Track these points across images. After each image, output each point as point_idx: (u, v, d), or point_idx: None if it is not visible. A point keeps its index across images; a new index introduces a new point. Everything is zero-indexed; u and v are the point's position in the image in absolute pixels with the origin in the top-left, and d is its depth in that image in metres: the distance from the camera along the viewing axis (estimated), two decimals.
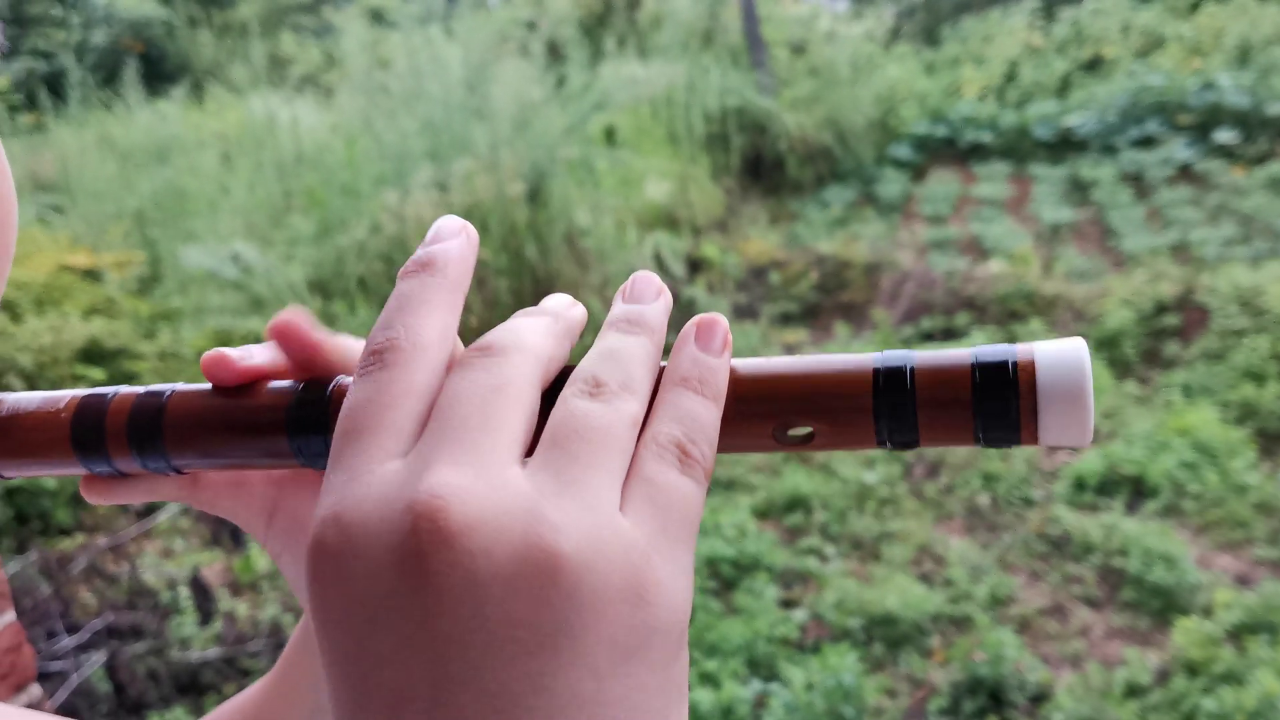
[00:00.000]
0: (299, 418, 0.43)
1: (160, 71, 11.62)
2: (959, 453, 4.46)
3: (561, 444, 0.35)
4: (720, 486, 4.42)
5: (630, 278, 0.43)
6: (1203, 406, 4.49)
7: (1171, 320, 5.28)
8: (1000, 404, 0.37)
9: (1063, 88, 10.06)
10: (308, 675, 0.56)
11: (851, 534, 3.99)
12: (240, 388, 0.45)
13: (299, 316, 0.47)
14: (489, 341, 0.38)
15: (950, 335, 5.69)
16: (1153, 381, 5.01)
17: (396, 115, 7.21)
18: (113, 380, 5.15)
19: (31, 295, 5.50)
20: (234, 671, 3.46)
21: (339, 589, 0.33)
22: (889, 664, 3.31)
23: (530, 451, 0.36)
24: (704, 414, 0.38)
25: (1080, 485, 4.13)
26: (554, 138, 7.01)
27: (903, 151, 9.24)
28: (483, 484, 0.32)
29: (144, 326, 5.74)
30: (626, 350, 0.39)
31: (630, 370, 0.38)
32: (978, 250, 6.80)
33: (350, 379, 0.43)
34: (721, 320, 0.41)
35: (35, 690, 1.17)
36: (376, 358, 0.37)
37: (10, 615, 1.19)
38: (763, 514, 4.18)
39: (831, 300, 6.38)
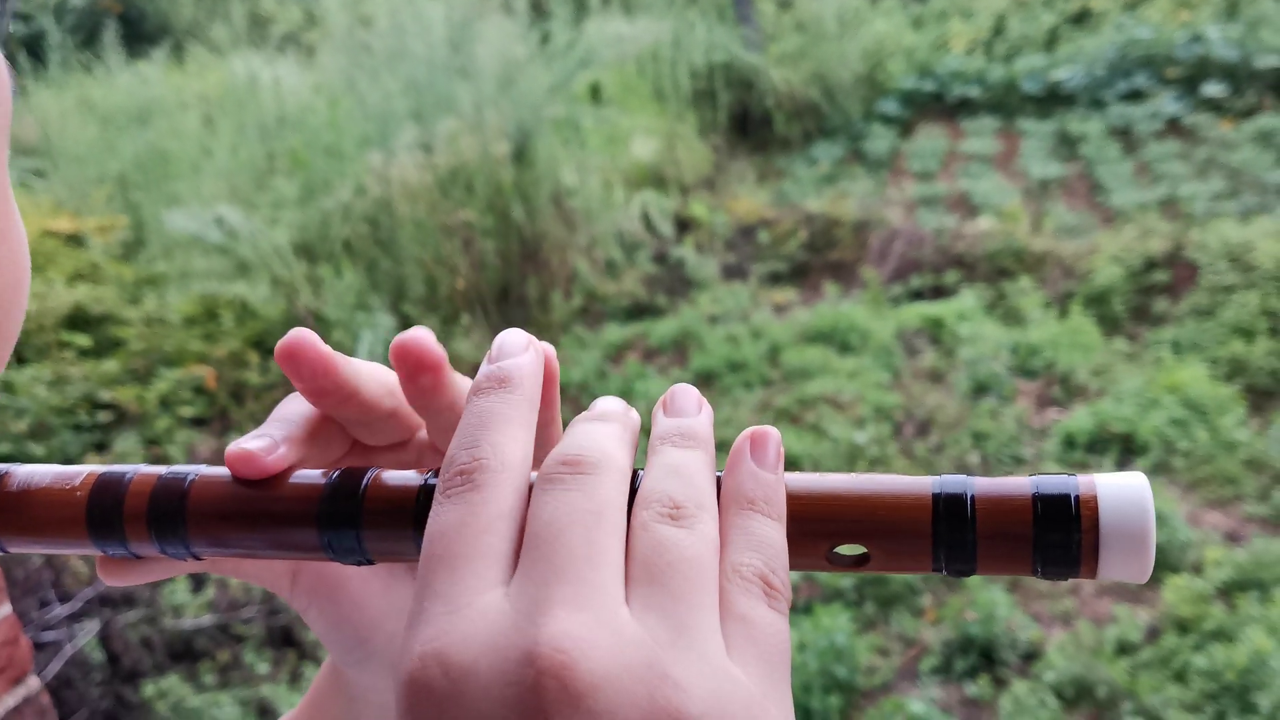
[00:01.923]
0: (332, 511, 0.42)
1: (140, 32, 11.47)
2: (948, 411, 4.47)
3: (659, 580, 0.34)
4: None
5: (669, 391, 0.43)
6: (1192, 363, 4.50)
7: (1161, 276, 5.28)
8: (1061, 539, 0.37)
9: (1050, 41, 9.99)
10: (339, 712, 0.56)
11: None
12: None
13: (306, 337, 0.45)
14: (576, 455, 0.37)
15: (940, 293, 5.69)
16: (1142, 338, 5.02)
17: (379, 75, 7.13)
18: (99, 345, 5.12)
19: None
20: (227, 638, 3.46)
21: None
22: (881, 624, 3.33)
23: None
24: (776, 538, 0.38)
25: (1070, 443, 4.14)
26: (539, 96, 6.94)
27: (890, 107, 9.18)
28: (603, 634, 0.32)
29: (129, 292, 5.70)
30: (689, 466, 0.39)
31: (700, 487, 0.38)
32: (966, 207, 6.78)
33: (381, 470, 0.43)
34: (774, 433, 0.41)
35: (33, 682, 1.16)
36: (465, 478, 0.37)
37: (6, 608, 1.18)
38: None
39: (820, 259, 6.37)
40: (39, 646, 3.12)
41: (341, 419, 0.48)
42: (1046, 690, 2.91)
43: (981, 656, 3.10)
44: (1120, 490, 0.37)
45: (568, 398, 5.00)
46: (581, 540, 0.34)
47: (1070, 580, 2.95)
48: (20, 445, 4.17)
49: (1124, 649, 3.06)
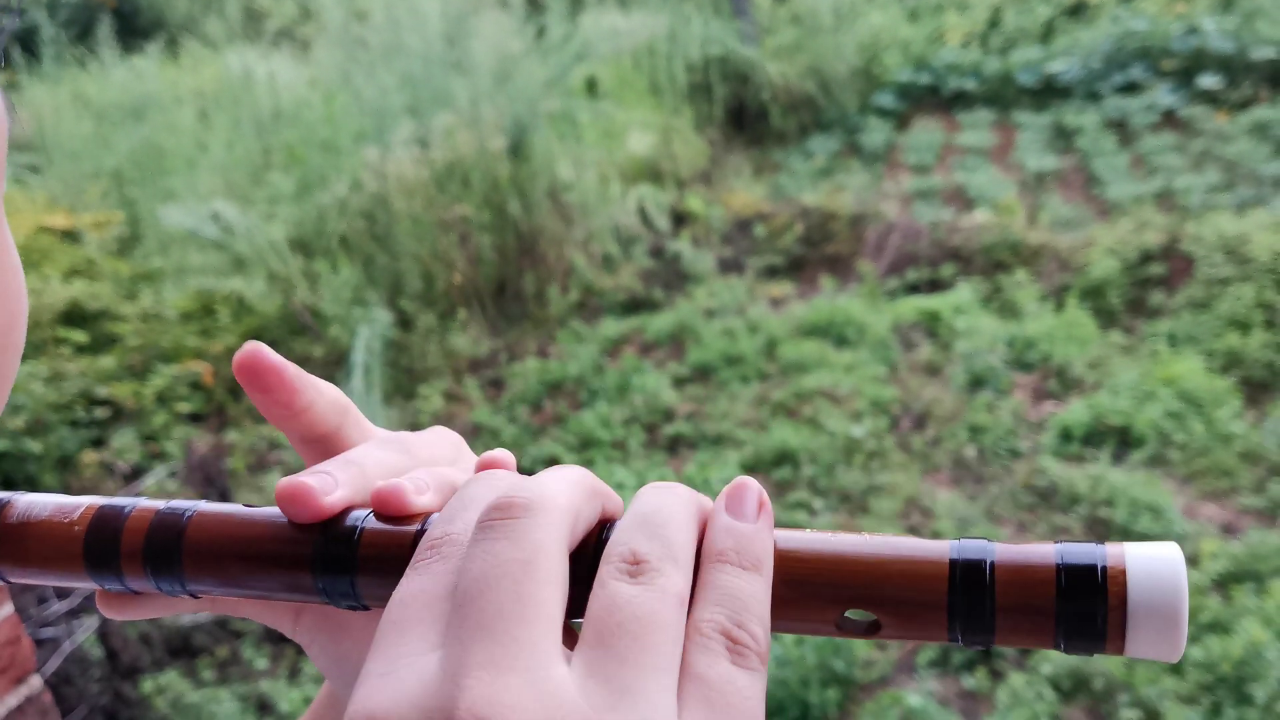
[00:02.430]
0: (326, 555, 0.41)
1: (134, 27, 11.44)
2: (945, 404, 4.48)
3: (607, 641, 0.32)
4: (708, 441, 4.43)
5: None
6: (1188, 356, 4.51)
7: (1156, 269, 5.29)
8: (1086, 613, 0.35)
9: (1046, 33, 9.99)
10: None
11: (839, 487, 4.01)
12: (265, 516, 0.43)
13: (262, 349, 0.45)
14: (508, 499, 0.35)
15: (936, 286, 5.69)
16: (1138, 331, 5.02)
17: (375, 70, 7.12)
18: (95, 341, 5.11)
19: None
20: (225, 634, 3.47)
21: None
22: None
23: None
24: (746, 588, 0.36)
25: (1067, 436, 4.15)
26: (535, 91, 6.93)
27: (886, 100, 9.18)
28: (528, 697, 0.30)
29: (125, 288, 5.70)
30: (664, 511, 0.37)
31: (670, 537, 0.36)
32: (962, 200, 6.79)
33: (371, 513, 0.42)
34: (752, 483, 0.39)
35: (35, 682, 1.17)
36: (434, 551, 0.36)
37: (8, 608, 1.18)
38: (751, 468, 4.19)
39: (817, 252, 6.37)
40: (38, 643, 3.12)
41: (291, 432, 0.48)
42: (1043, 683, 2.91)
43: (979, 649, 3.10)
44: (1151, 562, 0.35)
45: (564, 392, 5.00)
46: (510, 594, 0.32)
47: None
48: (17, 441, 4.17)
49: None
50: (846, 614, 0.37)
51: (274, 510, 0.43)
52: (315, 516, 0.41)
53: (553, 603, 0.33)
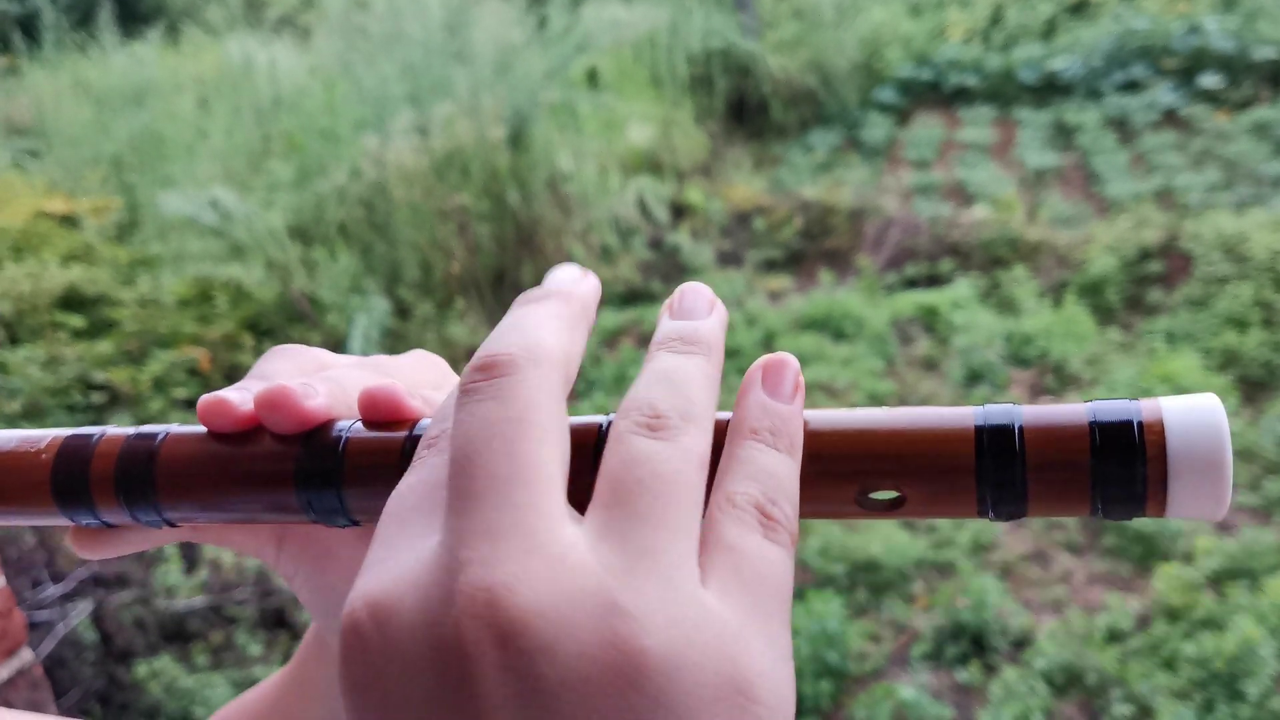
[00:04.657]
0: (309, 469, 0.38)
1: (135, 12, 11.41)
2: (942, 399, 4.48)
3: (624, 500, 0.30)
4: None
5: (678, 290, 0.38)
6: (1185, 353, 4.51)
7: (1155, 267, 5.29)
8: (1124, 472, 0.33)
9: (1048, 31, 9.98)
10: (323, 677, 0.53)
11: None
12: (243, 434, 0.40)
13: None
14: (492, 354, 0.32)
15: (934, 282, 5.69)
16: (1136, 328, 5.02)
17: (375, 58, 7.11)
18: (93, 326, 5.11)
19: (8, 242, 5.43)
20: (220, 619, 3.46)
21: (373, 686, 0.28)
22: (873, 610, 3.34)
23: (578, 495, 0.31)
24: (781, 469, 0.33)
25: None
26: (535, 81, 6.93)
27: (887, 95, 9.17)
28: (534, 562, 0.27)
29: (123, 273, 5.68)
30: (683, 372, 0.34)
31: (692, 396, 0.33)
32: (962, 196, 6.78)
33: (358, 424, 0.39)
34: (791, 361, 0.36)
35: (26, 654, 1.17)
36: (431, 448, 0.33)
37: (0, 581, 1.18)
38: None
39: (816, 247, 6.36)
40: (32, 626, 3.12)
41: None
42: (1036, 677, 2.92)
43: (972, 643, 3.11)
44: (1190, 414, 0.33)
45: None
46: (503, 456, 0.29)
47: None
48: (13, 425, 4.17)
49: (1114, 636, 3.07)
50: (869, 493, 0.35)
51: (249, 431, 0.41)
52: (298, 424, 0.39)
53: (553, 461, 0.30)
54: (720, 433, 0.35)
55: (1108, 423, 0.33)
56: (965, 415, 0.35)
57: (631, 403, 0.33)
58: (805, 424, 0.35)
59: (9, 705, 1.13)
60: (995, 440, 0.34)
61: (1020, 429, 0.34)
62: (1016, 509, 0.34)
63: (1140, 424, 0.33)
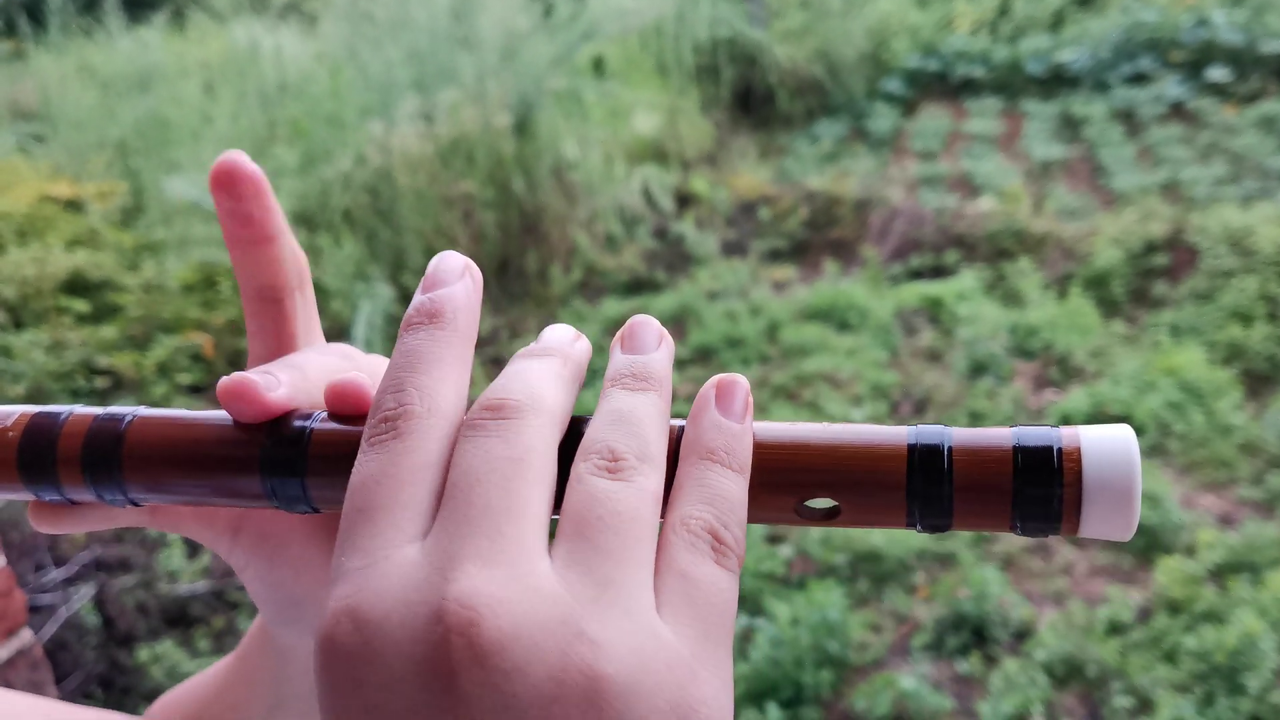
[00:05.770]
0: (275, 458, 0.40)
1: None
2: (946, 390, 4.48)
3: (587, 535, 0.33)
4: None
5: (629, 323, 0.41)
6: (1190, 347, 4.50)
7: (1160, 260, 5.28)
8: (1042, 494, 0.35)
9: (1056, 22, 9.95)
10: (268, 668, 0.55)
11: None
12: (209, 420, 0.41)
13: (240, 156, 0.44)
14: (500, 399, 0.35)
15: (939, 273, 5.68)
16: (1140, 321, 5.02)
17: (381, 44, 7.10)
18: (97, 311, 5.11)
19: (13, 226, 5.44)
20: (221, 604, 3.47)
21: (353, 695, 0.30)
22: (874, 600, 3.34)
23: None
24: (733, 490, 0.36)
25: (1067, 424, 4.14)
26: (541, 68, 6.91)
27: (894, 86, 9.15)
28: (515, 589, 0.30)
29: (127, 258, 5.69)
30: (637, 412, 0.37)
31: (645, 435, 0.36)
32: (968, 187, 6.77)
33: (323, 416, 0.41)
34: (742, 381, 0.39)
35: (26, 635, 1.17)
36: (389, 425, 0.35)
37: (0, 560, 1.18)
38: None
39: (821, 237, 6.35)
40: (34, 610, 3.13)
41: (249, 272, 0.47)
42: (1037, 668, 2.92)
43: (973, 634, 3.11)
44: (1105, 443, 0.35)
45: None
46: (499, 491, 0.32)
47: (1060, 555, 2.89)
48: None
49: (1115, 629, 3.07)
50: (806, 502, 0.38)
51: (219, 413, 0.42)
52: (259, 414, 0.40)
53: (540, 501, 0.33)
54: (674, 440, 0.38)
55: (1030, 448, 0.36)
56: (899, 434, 0.37)
57: (590, 444, 0.35)
58: (754, 438, 0.38)
59: (9, 685, 1.14)
60: (925, 459, 0.36)
61: (950, 449, 0.36)
62: (942, 523, 0.37)
63: (1060, 450, 0.36)
